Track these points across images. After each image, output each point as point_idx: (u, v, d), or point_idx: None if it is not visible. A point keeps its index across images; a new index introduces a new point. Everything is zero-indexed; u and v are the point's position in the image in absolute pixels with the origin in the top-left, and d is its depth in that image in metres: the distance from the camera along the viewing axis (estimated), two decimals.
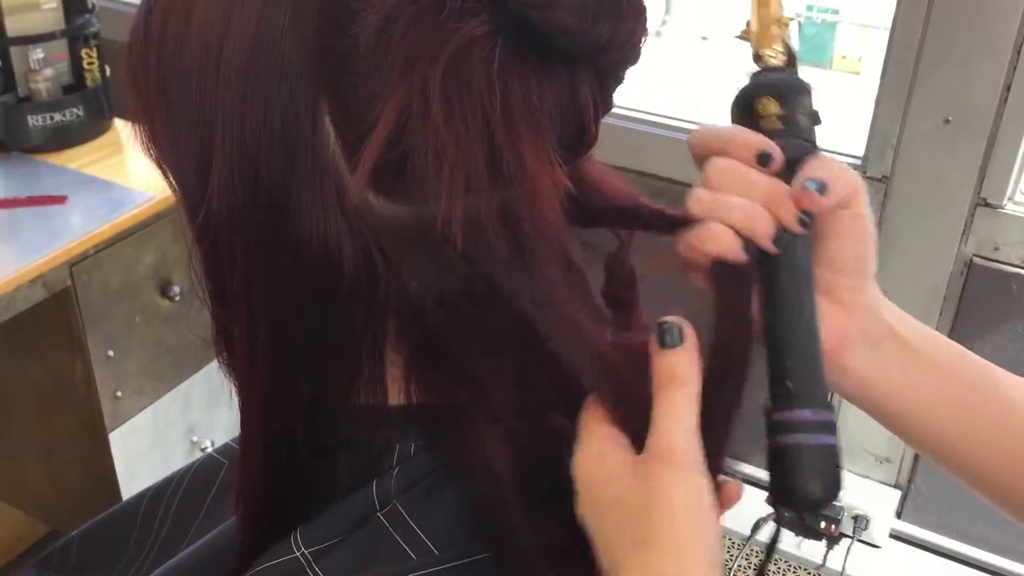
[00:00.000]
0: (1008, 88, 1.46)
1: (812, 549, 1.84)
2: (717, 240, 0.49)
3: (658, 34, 3.28)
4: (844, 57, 2.76)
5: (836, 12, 2.82)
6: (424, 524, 0.53)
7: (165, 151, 0.52)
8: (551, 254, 0.47)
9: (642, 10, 0.46)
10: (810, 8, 2.96)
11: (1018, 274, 1.59)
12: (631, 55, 0.48)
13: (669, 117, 1.80)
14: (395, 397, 0.54)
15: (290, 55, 0.45)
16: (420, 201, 0.45)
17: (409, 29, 0.42)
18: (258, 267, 0.50)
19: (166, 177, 0.53)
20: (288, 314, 0.51)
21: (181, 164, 0.51)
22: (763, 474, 0.50)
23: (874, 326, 0.54)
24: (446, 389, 0.51)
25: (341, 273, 0.47)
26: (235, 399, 0.56)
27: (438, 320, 0.48)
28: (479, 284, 0.47)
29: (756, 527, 1.78)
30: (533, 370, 0.50)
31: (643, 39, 0.47)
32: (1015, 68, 1.45)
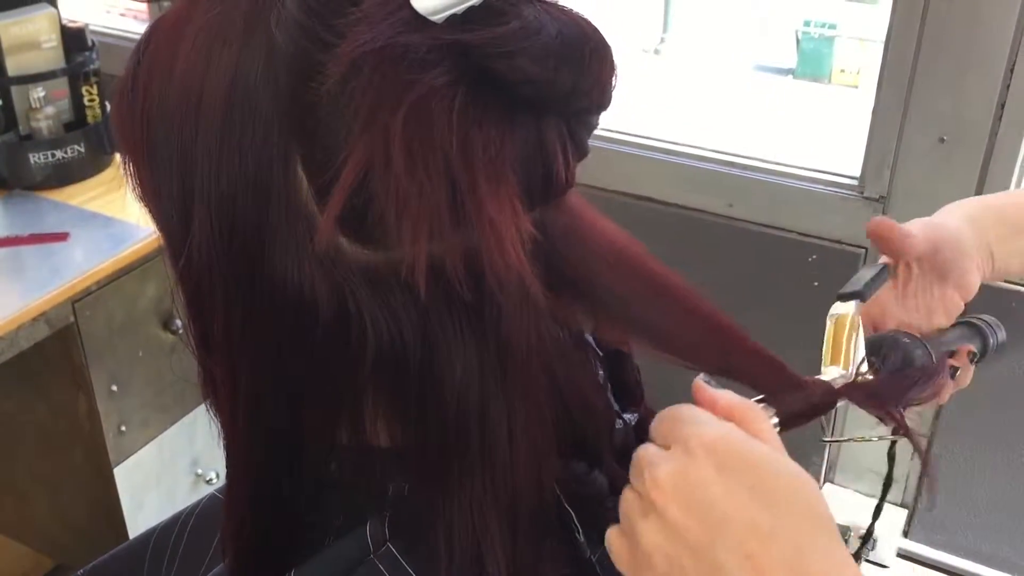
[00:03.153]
0: (1002, 106, 1.47)
1: None
2: None
3: (656, 52, 3.28)
4: (843, 71, 2.77)
5: (834, 27, 2.83)
6: (418, 566, 0.53)
7: (150, 197, 0.53)
8: (514, 300, 0.48)
9: (607, 55, 0.47)
10: (808, 23, 2.98)
11: (1018, 291, 1.59)
12: (600, 100, 0.48)
13: (664, 140, 1.81)
14: (382, 438, 0.55)
15: (263, 104, 0.46)
16: (387, 247, 0.46)
17: (371, 80, 0.43)
18: (237, 310, 0.51)
19: (153, 220, 0.54)
20: (267, 356, 0.51)
21: (163, 208, 0.52)
22: None
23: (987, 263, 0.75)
24: (422, 433, 0.51)
25: (316, 316, 0.48)
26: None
27: (409, 363, 0.49)
28: (444, 328, 0.48)
29: None
30: (505, 412, 0.50)
31: (612, 83, 0.47)
32: (1008, 87, 1.45)
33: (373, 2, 0.44)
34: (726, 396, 0.50)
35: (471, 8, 0.43)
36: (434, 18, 0.43)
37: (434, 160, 0.43)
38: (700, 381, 0.51)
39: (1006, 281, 1.59)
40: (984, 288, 1.59)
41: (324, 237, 0.46)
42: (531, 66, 0.44)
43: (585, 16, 0.46)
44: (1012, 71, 1.45)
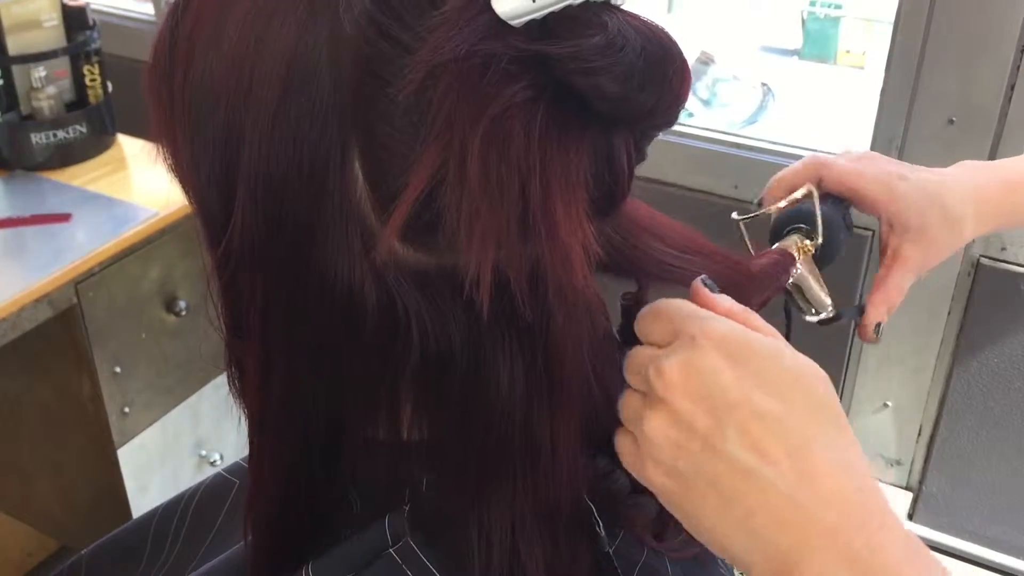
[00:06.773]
0: (1012, 88, 1.46)
1: None
2: None
3: None
4: (848, 52, 2.75)
5: (840, 7, 2.81)
6: (437, 560, 0.53)
7: (187, 174, 0.50)
8: (570, 314, 0.46)
9: (687, 74, 0.45)
10: (813, 3, 2.96)
11: None
12: (672, 119, 0.46)
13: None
14: (410, 432, 0.54)
15: (323, 93, 0.43)
16: (449, 256, 0.45)
17: (451, 90, 0.41)
18: (277, 304, 0.48)
19: (188, 199, 0.52)
20: (305, 352, 0.50)
21: (203, 190, 0.49)
22: None
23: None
24: (462, 434, 0.50)
25: (363, 317, 0.46)
26: (244, 423, 0.55)
27: (455, 366, 0.48)
28: (492, 334, 0.47)
29: None
30: (548, 416, 0.49)
31: (685, 100, 0.46)
32: (1018, 68, 1.44)
33: (454, 5, 0.42)
34: (725, 298, 0.50)
35: (551, 15, 0.41)
36: (514, 23, 0.41)
37: (510, 177, 0.42)
38: (698, 283, 0.50)
39: (1013, 263, 1.58)
40: (991, 270, 1.59)
41: (386, 244, 0.44)
42: (613, 85, 0.42)
43: (665, 29, 0.45)
44: (1022, 52, 1.43)
